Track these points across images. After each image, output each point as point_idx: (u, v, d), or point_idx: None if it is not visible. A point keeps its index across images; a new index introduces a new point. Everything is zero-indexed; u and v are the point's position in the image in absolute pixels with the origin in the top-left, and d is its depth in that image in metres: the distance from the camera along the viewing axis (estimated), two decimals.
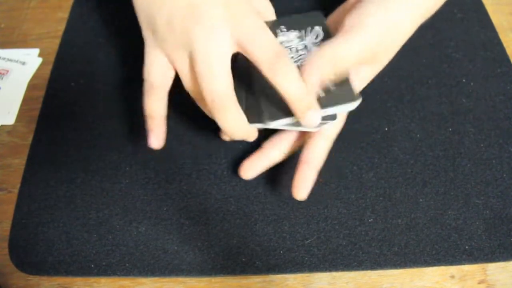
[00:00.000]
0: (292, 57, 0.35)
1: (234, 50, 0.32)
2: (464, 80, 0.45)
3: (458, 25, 0.48)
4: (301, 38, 0.36)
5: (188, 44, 0.32)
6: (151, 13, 0.34)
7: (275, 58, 0.31)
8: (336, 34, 0.34)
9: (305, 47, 0.36)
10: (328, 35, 0.36)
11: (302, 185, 0.35)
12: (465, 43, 0.47)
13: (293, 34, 0.37)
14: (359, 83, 0.36)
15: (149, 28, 0.35)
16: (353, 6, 0.35)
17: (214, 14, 0.31)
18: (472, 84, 0.44)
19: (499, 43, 0.47)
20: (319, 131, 0.35)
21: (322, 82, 0.32)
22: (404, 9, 0.34)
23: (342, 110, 0.34)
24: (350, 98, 0.33)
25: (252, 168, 0.37)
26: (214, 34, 0.31)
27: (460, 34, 0.48)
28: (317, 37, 0.36)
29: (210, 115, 0.34)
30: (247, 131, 0.34)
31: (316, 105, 0.32)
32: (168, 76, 0.35)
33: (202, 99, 0.33)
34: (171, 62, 0.34)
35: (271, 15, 0.38)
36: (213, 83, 0.32)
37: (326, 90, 0.34)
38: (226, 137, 0.38)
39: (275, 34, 0.36)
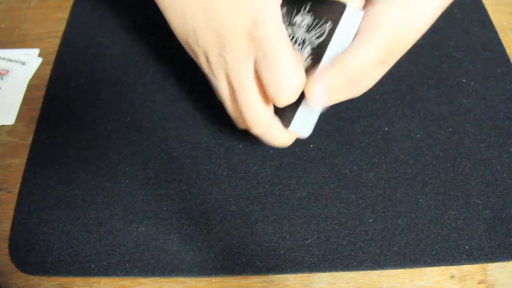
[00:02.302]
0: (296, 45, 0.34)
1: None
2: (464, 80, 0.45)
3: (458, 25, 0.48)
4: (307, 29, 0.34)
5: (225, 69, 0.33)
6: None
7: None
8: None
9: (303, 41, 0.34)
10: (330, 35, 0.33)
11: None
12: (465, 43, 0.47)
13: (306, 20, 0.34)
14: (366, 85, 0.34)
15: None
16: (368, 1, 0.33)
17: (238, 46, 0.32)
18: (472, 84, 0.44)
19: (499, 43, 0.47)
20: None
21: (332, 92, 0.31)
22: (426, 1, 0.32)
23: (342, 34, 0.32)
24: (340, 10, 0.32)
25: None
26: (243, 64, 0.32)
27: (460, 34, 0.48)
28: (320, 36, 0.33)
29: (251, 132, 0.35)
30: (291, 140, 0.35)
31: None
32: None
33: (244, 121, 0.34)
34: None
35: None
36: (254, 112, 0.33)
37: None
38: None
39: (297, 9, 0.34)
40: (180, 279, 0.36)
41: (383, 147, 0.41)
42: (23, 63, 0.47)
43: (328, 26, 0.32)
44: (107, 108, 0.43)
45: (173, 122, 0.43)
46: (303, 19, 0.34)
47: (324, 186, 0.39)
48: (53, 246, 0.37)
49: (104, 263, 0.36)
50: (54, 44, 0.48)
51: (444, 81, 0.44)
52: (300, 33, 0.34)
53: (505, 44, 0.47)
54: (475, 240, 0.36)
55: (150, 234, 0.37)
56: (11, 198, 0.39)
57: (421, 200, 0.38)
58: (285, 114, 0.34)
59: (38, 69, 0.47)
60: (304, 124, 0.34)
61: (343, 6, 0.31)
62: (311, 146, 0.41)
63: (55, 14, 0.51)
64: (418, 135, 0.41)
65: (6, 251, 0.37)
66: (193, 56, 0.36)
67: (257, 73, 0.32)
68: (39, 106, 0.44)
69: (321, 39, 0.33)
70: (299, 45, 0.34)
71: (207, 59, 0.34)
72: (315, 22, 0.33)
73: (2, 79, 0.46)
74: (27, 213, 0.38)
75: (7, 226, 0.38)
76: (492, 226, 0.37)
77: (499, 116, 0.42)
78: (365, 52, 0.31)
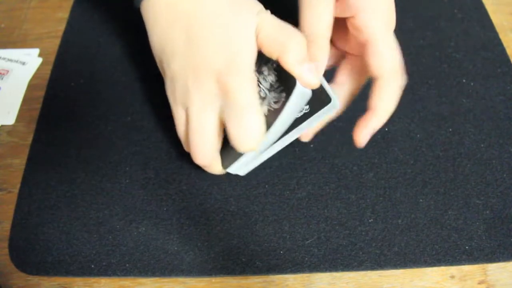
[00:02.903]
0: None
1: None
2: (464, 80, 0.45)
3: (458, 25, 0.48)
4: (270, 87, 0.34)
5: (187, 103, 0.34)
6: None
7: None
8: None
9: (264, 97, 0.34)
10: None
11: (363, 132, 0.34)
12: (465, 43, 0.47)
13: (271, 78, 0.34)
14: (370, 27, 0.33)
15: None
16: None
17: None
18: (472, 84, 0.44)
19: (499, 43, 0.47)
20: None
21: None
22: None
23: (319, 118, 0.33)
24: (325, 101, 0.32)
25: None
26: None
27: (460, 34, 0.48)
28: (276, 102, 0.33)
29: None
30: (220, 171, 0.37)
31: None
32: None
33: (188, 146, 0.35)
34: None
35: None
36: (202, 149, 0.34)
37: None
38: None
39: (266, 59, 0.34)
40: (180, 279, 0.36)
41: (383, 147, 0.41)
42: (23, 63, 0.47)
43: (283, 98, 0.33)
44: (107, 108, 0.43)
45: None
46: (269, 74, 0.34)
47: (324, 186, 0.39)
48: (53, 246, 0.37)
49: (104, 263, 0.36)
50: (54, 44, 0.48)
51: (444, 81, 0.44)
52: (264, 87, 0.34)
53: (505, 44, 0.47)
54: (475, 240, 0.36)
55: (150, 234, 0.37)
56: (11, 198, 0.39)
57: (421, 200, 0.38)
58: (227, 155, 0.36)
59: (38, 69, 0.47)
60: (240, 169, 0.36)
61: (294, 82, 0.31)
62: (311, 146, 0.41)
63: (55, 14, 0.51)
64: (418, 135, 0.41)
65: (6, 251, 0.37)
66: (162, 74, 0.36)
67: (220, 117, 0.33)
68: (39, 106, 0.44)
69: (277, 106, 0.33)
70: (260, 98, 0.33)
71: (174, 83, 0.34)
72: (277, 85, 0.34)
73: (2, 79, 0.46)
74: (27, 213, 0.38)
75: (7, 226, 0.38)
76: (492, 226, 0.37)
77: (499, 116, 0.42)
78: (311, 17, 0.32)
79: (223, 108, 0.32)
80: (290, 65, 0.30)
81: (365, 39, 0.32)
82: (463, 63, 0.46)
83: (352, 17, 0.33)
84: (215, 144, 0.34)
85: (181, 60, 0.32)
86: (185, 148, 0.37)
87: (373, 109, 0.33)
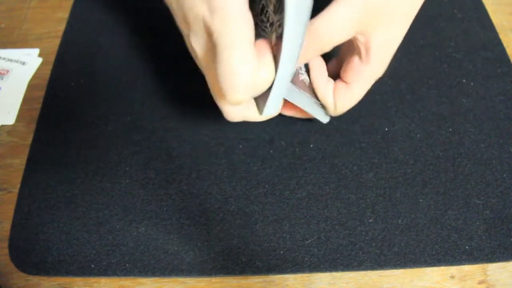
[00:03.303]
0: None
1: None
2: (464, 80, 0.45)
3: (458, 25, 0.48)
4: (274, 10, 0.30)
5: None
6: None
7: None
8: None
9: (272, 24, 0.31)
10: None
11: None
12: (465, 43, 0.47)
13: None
14: (377, 51, 0.32)
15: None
16: None
17: None
18: (472, 84, 0.44)
19: (499, 43, 0.47)
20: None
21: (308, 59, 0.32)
22: None
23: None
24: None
25: None
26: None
27: (460, 34, 0.48)
28: (280, 25, 0.30)
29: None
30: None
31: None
32: None
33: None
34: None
35: None
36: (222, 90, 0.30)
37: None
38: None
39: None
40: (180, 279, 0.36)
41: (383, 147, 0.41)
42: (23, 63, 0.47)
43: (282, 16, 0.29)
44: (107, 108, 0.43)
45: (173, 122, 0.43)
46: None
47: (324, 186, 0.39)
48: (53, 246, 0.37)
49: (104, 263, 0.36)
50: (54, 44, 0.48)
51: (444, 81, 0.44)
52: (271, 10, 0.31)
53: (505, 44, 0.47)
54: (475, 240, 0.36)
55: (150, 234, 0.37)
56: (11, 198, 0.39)
57: (421, 200, 0.38)
58: (260, 101, 0.33)
59: (38, 69, 0.47)
60: (276, 106, 0.33)
61: None
62: (311, 146, 0.41)
63: (55, 14, 0.51)
64: (418, 135, 0.41)
65: (6, 251, 0.37)
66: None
67: None
68: (39, 106, 0.44)
69: (281, 29, 0.29)
70: (270, 26, 0.31)
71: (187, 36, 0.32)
72: (278, 4, 0.30)
73: (2, 79, 0.46)
74: (27, 213, 0.38)
75: (7, 226, 0.38)
76: (492, 226, 0.37)
77: (499, 116, 0.42)
78: (328, 20, 0.30)
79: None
80: None
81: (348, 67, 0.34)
82: (463, 63, 0.46)
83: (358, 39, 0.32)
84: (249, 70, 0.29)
85: (178, 14, 0.31)
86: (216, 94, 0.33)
87: (349, 86, 0.35)
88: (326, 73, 0.36)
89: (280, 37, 0.29)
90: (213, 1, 0.27)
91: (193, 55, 0.33)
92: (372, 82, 0.35)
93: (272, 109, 0.33)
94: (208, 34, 0.29)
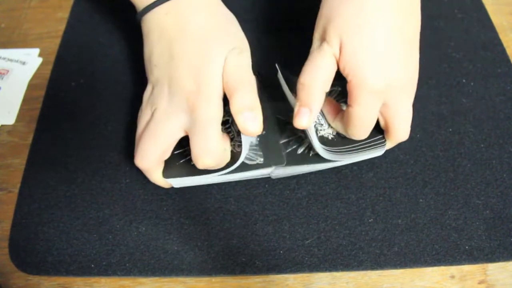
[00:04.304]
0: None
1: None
2: (464, 80, 0.45)
3: (458, 25, 0.48)
4: (238, 131, 0.37)
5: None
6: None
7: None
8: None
9: (232, 139, 0.37)
10: None
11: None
12: (465, 43, 0.47)
13: None
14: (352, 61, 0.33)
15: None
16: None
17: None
18: (472, 84, 0.44)
19: (499, 43, 0.47)
20: None
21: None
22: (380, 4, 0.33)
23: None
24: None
25: None
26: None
27: (460, 34, 0.48)
28: (239, 146, 0.36)
29: None
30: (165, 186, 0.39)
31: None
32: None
33: None
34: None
35: (246, 49, 0.37)
36: (147, 152, 0.36)
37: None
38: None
39: None
40: (180, 279, 0.36)
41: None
42: (23, 63, 0.47)
43: (258, 159, 0.37)
44: (107, 108, 0.43)
45: None
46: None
47: (324, 186, 0.39)
48: (53, 246, 0.37)
49: (104, 263, 0.36)
50: (54, 44, 0.48)
51: (444, 81, 0.44)
52: (234, 129, 0.38)
53: (505, 44, 0.47)
54: (475, 240, 0.36)
55: (150, 233, 0.37)
56: (11, 198, 0.39)
57: (421, 200, 0.38)
58: (175, 167, 0.37)
59: (38, 69, 0.47)
60: (180, 183, 0.37)
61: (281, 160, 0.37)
62: None
63: (55, 14, 0.51)
64: (418, 135, 0.41)
65: (6, 251, 0.37)
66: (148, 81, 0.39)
67: (185, 130, 0.35)
68: (39, 106, 0.44)
69: (249, 162, 0.37)
70: (230, 138, 0.37)
71: (152, 89, 0.37)
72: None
73: (2, 79, 0.46)
74: (27, 213, 0.38)
75: (7, 226, 0.38)
76: (492, 226, 0.37)
77: (499, 116, 0.42)
78: (311, 71, 0.34)
79: (188, 124, 0.34)
80: (233, 110, 0.33)
81: (345, 67, 0.33)
82: (463, 63, 0.46)
83: (349, 80, 0.33)
84: (163, 150, 0.35)
85: (161, 71, 0.36)
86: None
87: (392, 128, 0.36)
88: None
89: (234, 153, 0.36)
90: (201, 88, 0.34)
91: (147, 105, 0.38)
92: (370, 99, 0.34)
93: (176, 183, 0.38)
94: (189, 108, 0.34)
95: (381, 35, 0.32)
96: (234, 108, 0.33)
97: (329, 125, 0.38)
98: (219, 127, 0.34)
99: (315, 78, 0.33)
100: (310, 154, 0.37)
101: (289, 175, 0.38)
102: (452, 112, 0.43)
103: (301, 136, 0.38)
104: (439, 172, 0.39)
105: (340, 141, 0.37)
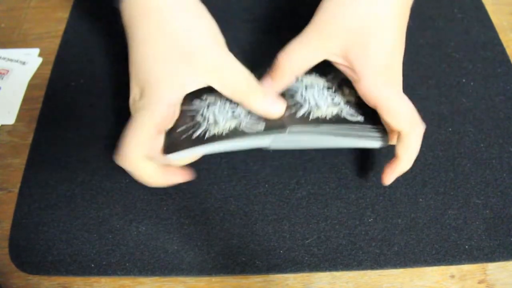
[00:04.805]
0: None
1: None
2: (464, 80, 0.45)
3: (458, 25, 0.48)
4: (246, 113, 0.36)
5: None
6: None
7: None
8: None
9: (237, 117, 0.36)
10: None
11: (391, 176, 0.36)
12: (465, 43, 0.47)
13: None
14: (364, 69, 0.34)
15: None
16: None
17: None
18: (472, 84, 0.44)
19: (499, 43, 0.47)
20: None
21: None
22: None
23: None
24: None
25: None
26: None
27: (460, 34, 0.48)
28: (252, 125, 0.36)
29: None
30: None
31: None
32: None
33: None
34: None
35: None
36: (126, 152, 0.35)
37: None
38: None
39: None
40: (180, 278, 0.36)
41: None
42: (23, 63, 0.47)
43: (259, 126, 0.36)
44: (107, 108, 0.43)
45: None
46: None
47: (324, 186, 0.39)
48: (53, 246, 0.37)
49: (104, 263, 0.36)
50: (54, 44, 0.48)
51: (444, 81, 0.44)
52: (241, 110, 0.37)
53: (505, 44, 0.47)
54: (475, 240, 0.36)
55: (150, 233, 0.37)
56: (11, 198, 0.39)
57: (421, 200, 0.38)
58: (174, 143, 0.36)
59: (38, 69, 0.47)
60: (181, 158, 0.36)
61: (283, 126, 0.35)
62: None
63: (55, 14, 0.51)
64: None
65: (6, 250, 0.37)
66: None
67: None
68: (39, 106, 0.44)
69: (248, 131, 0.36)
70: (232, 114, 0.36)
71: (134, 98, 0.36)
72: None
73: (2, 79, 0.46)
74: (27, 213, 0.38)
75: (7, 226, 0.38)
76: (492, 225, 0.37)
77: (499, 116, 0.42)
78: (300, 51, 0.34)
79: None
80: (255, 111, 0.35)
81: (373, 103, 0.34)
82: (463, 63, 0.46)
83: (357, 82, 0.34)
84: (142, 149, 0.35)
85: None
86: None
87: (398, 158, 0.35)
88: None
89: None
90: (145, 89, 0.34)
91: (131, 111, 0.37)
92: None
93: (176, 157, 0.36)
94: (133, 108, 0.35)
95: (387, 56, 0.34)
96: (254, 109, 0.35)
97: (328, 106, 0.37)
98: (144, 136, 0.34)
99: (290, 58, 0.34)
100: (310, 118, 0.36)
101: (288, 148, 0.37)
102: (452, 112, 0.43)
103: (299, 102, 0.37)
104: (439, 172, 0.39)
105: (336, 121, 0.37)
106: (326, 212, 0.38)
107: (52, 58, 0.47)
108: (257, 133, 0.35)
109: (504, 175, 0.39)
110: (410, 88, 0.44)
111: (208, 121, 0.36)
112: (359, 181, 0.39)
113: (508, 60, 0.46)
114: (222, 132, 0.35)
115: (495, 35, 0.47)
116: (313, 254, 0.36)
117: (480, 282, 0.35)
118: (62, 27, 0.49)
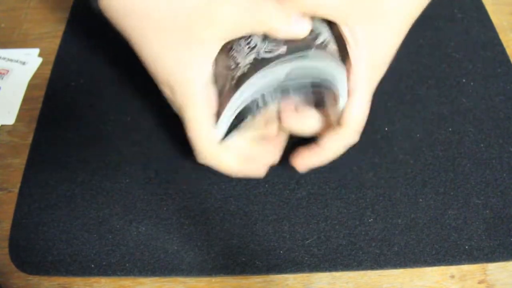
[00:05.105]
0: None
1: None
2: (464, 80, 0.45)
3: (458, 25, 0.48)
4: (264, 38, 0.33)
5: None
6: None
7: None
8: None
9: (254, 47, 0.33)
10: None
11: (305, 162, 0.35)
12: (465, 43, 0.47)
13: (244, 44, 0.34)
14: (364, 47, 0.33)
15: None
16: None
17: None
18: (472, 84, 0.44)
19: (499, 43, 0.47)
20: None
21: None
22: None
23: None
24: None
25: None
26: None
27: (460, 34, 0.48)
28: (268, 52, 0.32)
29: None
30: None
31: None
32: None
33: None
34: None
35: None
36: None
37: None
38: None
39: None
40: (180, 279, 0.36)
41: (383, 147, 0.41)
42: (23, 63, 0.47)
43: (281, 49, 0.32)
44: (107, 108, 0.43)
45: (173, 122, 0.42)
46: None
47: (324, 186, 0.39)
48: (53, 246, 0.37)
49: (104, 263, 0.36)
50: (54, 44, 0.48)
51: (444, 81, 0.44)
52: (257, 38, 0.33)
53: (505, 44, 0.47)
54: (475, 240, 0.36)
55: (150, 233, 0.37)
56: (11, 198, 0.39)
57: (421, 200, 0.38)
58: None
59: (38, 69, 0.47)
60: (226, 121, 0.34)
61: (309, 46, 0.32)
62: None
63: (55, 14, 0.51)
64: (418, 135, 0.41)
65: (6, 251, 0.37)
66: None
67: None
68: (39, 106, 0.44)
69: (268, 55, 0.32)
70: (248, 48, 0.33)
71: (169, 98, 0.35)
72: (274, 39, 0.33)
73: (2, 79, 0.46)
74: (27, 213, 0.38)
75: (7, 226, 0.38)
76: (492, 226, 0.37)
77: (499, 116, 0.42)
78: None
79: None
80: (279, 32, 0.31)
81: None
82: (463, 63, 0.46)
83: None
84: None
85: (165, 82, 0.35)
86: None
87: (321, 148, 0.34)
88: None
89: (253, 66, 0.32)
90: (173, 85, 0.33)
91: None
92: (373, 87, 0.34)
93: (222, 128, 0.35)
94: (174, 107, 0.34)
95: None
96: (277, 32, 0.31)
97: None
98: (203, 120, 0.33)
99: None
100: (326, 49, 0.34)
101: (304, 82, 0.34)
102: (452, 112, 0.43)
103: (313, 31, 0.33)
104: (439, 172, 0.39)
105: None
106: (326, 212, 0.38)
107: (52, 58, 0.47)
108: (279, 56, 0.32)
109: (504, 175, 0.39)
110: (410, 88, 0.44)
111: (230, 68, 0.33)
112: (359, 181, 0.39)
113: (508, 60, 0.46)
114: (244, 70, 0.32)
115: (495, 35, 0.47)
116: (313, 254, 0.36)
117: (480, 282, 0.35)
118: (62, 27, 0.49)
